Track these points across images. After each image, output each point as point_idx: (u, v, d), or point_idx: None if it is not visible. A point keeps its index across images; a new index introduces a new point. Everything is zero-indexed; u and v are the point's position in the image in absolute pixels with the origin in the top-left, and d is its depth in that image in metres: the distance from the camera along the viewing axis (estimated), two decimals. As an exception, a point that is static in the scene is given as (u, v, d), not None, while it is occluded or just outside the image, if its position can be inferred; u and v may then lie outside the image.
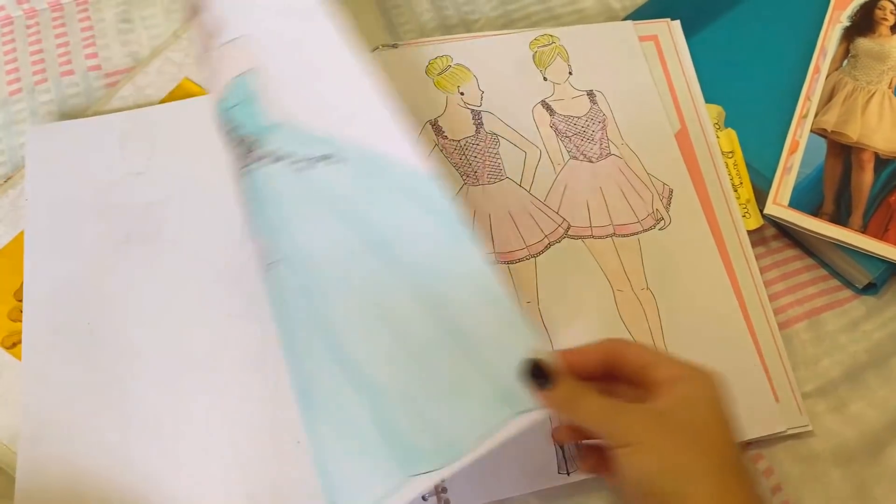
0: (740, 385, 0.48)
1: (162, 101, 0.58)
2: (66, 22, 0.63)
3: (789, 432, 0.49)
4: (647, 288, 0.51)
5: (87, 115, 0.57)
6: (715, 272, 0.52)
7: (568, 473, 0.46)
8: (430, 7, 0.65)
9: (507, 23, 0.65)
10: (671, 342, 0.49)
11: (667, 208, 0.54)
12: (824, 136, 0.56)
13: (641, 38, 0.59)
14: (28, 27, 0.63)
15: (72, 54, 0.62)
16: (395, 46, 0.58)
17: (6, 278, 0.51)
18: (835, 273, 0.55)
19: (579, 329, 0.49)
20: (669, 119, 0.56)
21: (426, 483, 0.37)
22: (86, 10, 0.64)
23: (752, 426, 0.48)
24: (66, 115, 0.59)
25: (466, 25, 0.64)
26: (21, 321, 0.49)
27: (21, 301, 0.50)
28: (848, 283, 0.54)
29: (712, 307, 0.51)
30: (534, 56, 0.58)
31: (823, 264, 0.55)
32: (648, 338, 0.49)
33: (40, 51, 0.62)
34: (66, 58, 0.62)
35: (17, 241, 0.52)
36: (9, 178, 0.55)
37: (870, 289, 0.54)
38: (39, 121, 0.59)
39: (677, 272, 0.52)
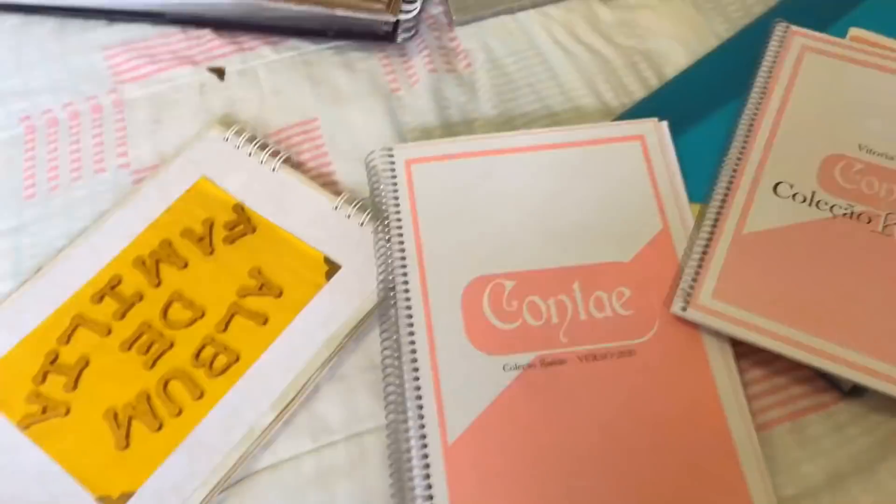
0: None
1: (179, 199, 0.63)
2: (103, 122, 0.69)
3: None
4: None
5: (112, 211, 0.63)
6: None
7: None
8: (434, 106, 0.68)
9: (506, 120, 0.68)
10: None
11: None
12: (810, 236, 0.56)
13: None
14: (71, 127, 0.70)
15: (105, 153, 0.68)
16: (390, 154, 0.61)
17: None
18: (820, 375, 0.54)
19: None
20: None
21: None
22: (121, 111, 0.70)
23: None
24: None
25: (467, 124, 0.68)
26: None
27: None
28: (834, 385, 0.53)
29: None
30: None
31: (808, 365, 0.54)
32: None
33: (78, 149, 0.68)
34: (100, 156, 0.68)
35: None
36: (39, 269, 0.61)
37: (856, 392, 0.53)
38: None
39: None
